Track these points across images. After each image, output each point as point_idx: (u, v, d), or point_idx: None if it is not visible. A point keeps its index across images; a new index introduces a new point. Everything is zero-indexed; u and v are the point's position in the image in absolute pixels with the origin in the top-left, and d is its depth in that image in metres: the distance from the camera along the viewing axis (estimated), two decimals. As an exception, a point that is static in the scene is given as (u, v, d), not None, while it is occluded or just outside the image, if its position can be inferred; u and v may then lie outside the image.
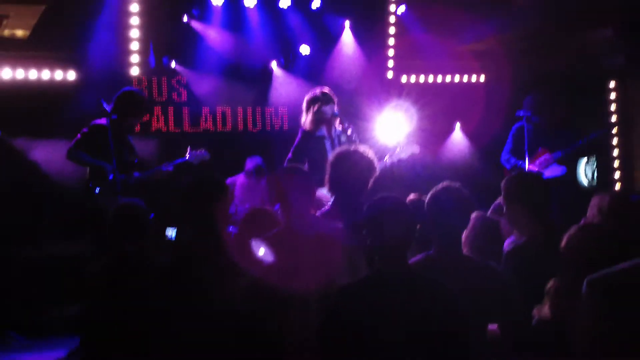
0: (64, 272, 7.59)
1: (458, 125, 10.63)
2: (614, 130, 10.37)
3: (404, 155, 6.77)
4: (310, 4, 9.46)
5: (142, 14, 8.57)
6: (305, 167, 6.22)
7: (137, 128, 8.73)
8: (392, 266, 3.28)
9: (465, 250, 4.33)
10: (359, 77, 9.83)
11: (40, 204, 7.90)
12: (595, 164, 10.19)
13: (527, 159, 7.78)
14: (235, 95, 9.46)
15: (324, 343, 3.28)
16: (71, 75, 8.51)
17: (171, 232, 8.42)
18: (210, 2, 9.02)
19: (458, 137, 10.66)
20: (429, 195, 3.93)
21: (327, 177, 4.77)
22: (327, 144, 6.56)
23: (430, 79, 10.63)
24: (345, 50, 9.93)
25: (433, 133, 9.84)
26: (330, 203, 4.83)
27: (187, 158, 7.13)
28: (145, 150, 7.79)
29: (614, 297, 2.34)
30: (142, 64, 8.80)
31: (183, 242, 4.11)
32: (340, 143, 6.56)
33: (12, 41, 8.43)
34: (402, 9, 9.91)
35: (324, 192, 5.19)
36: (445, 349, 3.16)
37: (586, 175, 10.26)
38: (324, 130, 6.59)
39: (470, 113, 10.33)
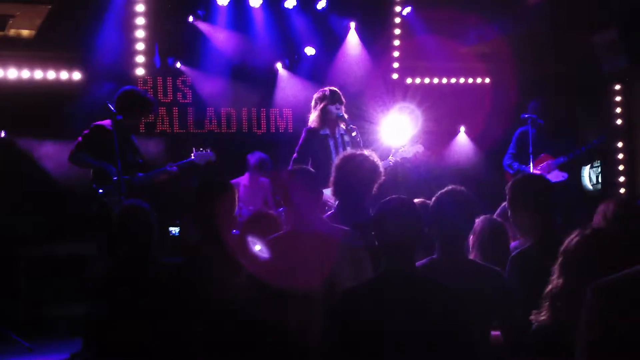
0: (69, 273, 7.62)
1: (462, 128, 10.62)
2: (618, 133, 10.34)
3: (407, 154, 6.75)
4: (316, 4, 9.47)
5: (148, 15, 8.58)
6: (309, 166, 6.23)
7: (142, 128, 8.78)
8: (398, 267, 3.29)
9: (472, 255, 4.33)
10: (364, 79, 9.82)
11: (44, 204, 7.91)
12: (599, 168, 10.17)
13: (531, 162, 7.75)
14: (240, 97, 9.47)
15: (331, 344, 3.28)
16: (76, 75, 8.54)
17: (174, 230, 8.46)
18: (216, 2, 9.03)
19: (463, 140, 10.65)
20: (433, 199, 3.92)
21: (332, 180, 4.77)
22: (331, 143, 6.55)
23: (435, 80, 10.64)
24: (351, 52, 9.93)
25: (438, 135, 9.84)
26: (335, 206, 4.84)
27: (192, 158, 7.13)
28: (150, 151, 7.81)
29: (618, 304, 2.33)
30: (148, 65, 8.82)
31: (191, 243, 4.10)
32: (343, 143, 6.55)
33: (18, 41, 8.44)
34: (407, 10, 9.90)
35: (328, 194, 5.19)
36: (451, 351, 3.16)
37: (590, 180, 10.25)
38: (327, 131, 6.58)
39: (475, 115, 10.33)
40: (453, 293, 3.27)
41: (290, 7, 9.35)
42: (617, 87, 10.34)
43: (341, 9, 9.75)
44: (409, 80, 10.41)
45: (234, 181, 8.63)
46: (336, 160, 4.94)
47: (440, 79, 10.66)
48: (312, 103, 6.69)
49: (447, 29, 9.78)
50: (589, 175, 10.25)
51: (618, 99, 10.35)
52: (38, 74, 8.36)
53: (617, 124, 10.31)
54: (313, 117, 6.63)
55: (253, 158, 8.80)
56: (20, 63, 8.27)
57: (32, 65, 8.33)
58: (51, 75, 8.42)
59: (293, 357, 3.68)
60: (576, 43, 9.66)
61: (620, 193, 9.96)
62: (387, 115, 7.70)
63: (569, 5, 8.89)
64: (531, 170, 7.74)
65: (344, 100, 6.65)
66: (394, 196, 3.48)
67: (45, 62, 8.41)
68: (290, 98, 9.63)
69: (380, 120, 7.68)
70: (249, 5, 9.22)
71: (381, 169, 4.85)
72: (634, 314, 2.27)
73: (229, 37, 9.30)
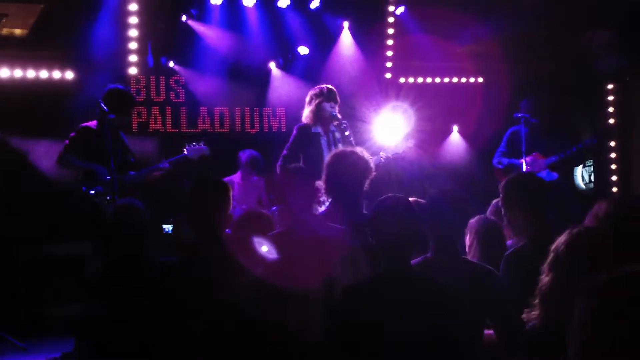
0: (63, 273, 7.59)
1: (456, 127, 10.63)
2: (612, 131, 10.37)
3: (398, 150, 6.74)
4: (309, 3, 9.46)
5: (141, 14, 8.57)
6: (300, 163, 6.22)
7: (135, 127, 8.77)
8: (395, 266, 3.29)
9: (470, 255, 4.33)
10: (357, 78, 9.82)
11: (39, 204, 7.88)
12: (592, 167, 10.20)
13: (524, 161, 7.76)
14: (233, 96, 9.46)
15: (329, 342, 3.28)
16: (69, 74, 8.52)
17: (168, 228, 8.45)
18: (209, 1, 9.02)
19: (456, 139, 10.66)
20: (427, 198, 3.93)
21: (324, 178, 4.76)
22: (323, 141, 6.54)
23: (429, 80, 10.65)
24: (344, 51, 9.93)
25: (431, 134, 9.85)
26: (327, 204, 4.83)
27: (185, 153, 7.11)
28: (143, 150, 7.78)
29: (610, 304, 2.33)
30: (141, 64, 8.81)
31: (185, 241, 4.10)
32: (335, 140, 6.54)
33: (11, 40, 8.42)
34: (401, 9, 9.90)
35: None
36: (447, 349, 3.16)
37: (583, 179, 10.27)
38: (319, 128, 6.57)
39: (468, 115, 10.34)
40: (449, 292, 3.28)
41: (284, 6, 9.34)
42: (611, 86, 10.37)
43: (335, 8, 9.75)
44: (402, 80, 10.41)
45: (226, 179, 8.60)
46: (327, 157, 4.93)
47: (433, 78, 10.66)
48: (307, 98, 6.67)
49: (441, 29, 9.79)
50: (582, 175, 10.28)
51: (611, 98, 10.38)
52: (31, 73, 8.33)
53: (610, 123, 10.34)
54: (306, 113, 6.62)
55: (244, 155, 8.78)
56: (12, 62, 8.24)
57: (24, 65, 8.31)
58: (44, 74, 8.40)
59: (292, 357, 3.68)
60: (570, 42, 9.68)
61: (613, 192, 9.99)
62: (380, 115, 7.71)
63: (564, 5, 8.91)
64: (524, 169, 7.75)
65: (339, 100, 6.64)
66: (390, 194, 3.48)
67: (38, 61, 8.38)
68: (283, 97, 9.62)
69: (374, 120, 7.68)
70: (243, 5, 9.21)
71: (372, 165, 4.85)
72: (626, 314, 2.27)
73: (223, 36, 9.29)
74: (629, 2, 8.86)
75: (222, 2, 9.07)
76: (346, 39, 9.90)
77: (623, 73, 10.01)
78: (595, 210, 4.09)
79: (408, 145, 6.83)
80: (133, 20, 8.56)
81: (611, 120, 10.34)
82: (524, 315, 3.03)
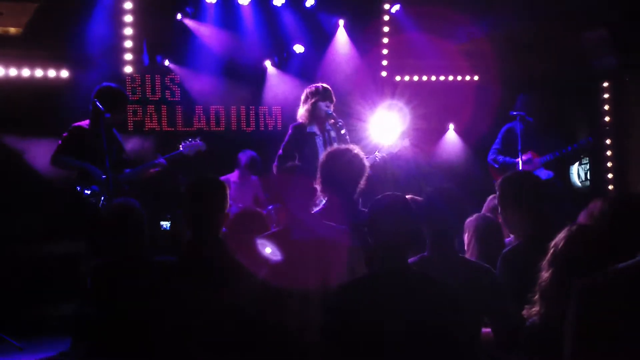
0: (59, 272, 7.58)
1: (451, 126, 10.64)
2: (607, 130, 10.39)
3: (394, 149, 6.74)
4: (305, 2, 9.45)
5: (136, 12, 8.55)
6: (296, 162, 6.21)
7: (130, 126, 8.75)
8: (393, 264, 3.29)
9: (468, 253, 4.34)
10: (352, 76, 9.82)
11: (34, 203, 7.87)
12: (588, 165, 10.21)
13: (520, 159, 7.76)
14: (228, 94, 9.45)
15: (325, 340, 3.28)
16: (64, 73, 8.49)
17: (165, 224, 8.45)
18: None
19: (452, 137, 10.67)
20: (423, 196, 3.93)
21: (319, 176, 4.75)
22: (318, 141, 6.53)
23: (424, 78, 10.64)
24: (340, 49, 9.92)
25: (427, 133, 9.85)
26: (323, 203, 4.83)
27: (180, 150, 7.10)
28: (138, 149, 7.77)
29: (602, 302, 2.35)
30: (136, 62, 8.79)
31: (183, 238, 4.09)
32: (330, 140, 6.53)
33: (5, 39, 8.39)
34: (396, 7, 9.90)
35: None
36: (445, 347, 3.17)
37: (579, 177, 10.29)
38: (315, 127, 6.56)
39: (463, 113, 10.34)
40: (447, 290, 3.28)
41: (279, 4, 9.34)
42: (606, 84, 10.38)
43: (330, 7, 9.75)
44: (397, 78, 10.41)
45: (223, 178, 8.61)
46: (323, 156, 4.92)
47: (429, 76, 10.66)
48: (303, 97, 6.65)
49: (436, 27, 9.79)
50: (578, 173, 10.29)
51: (606, 96, 10.39)
52: (25, 72, 8.31)
53: (606, 121, 10.36)
54: (302, 112, 6.60)
55: (244, 157, 8.79)
56: (7, 61, 8.22)
57: (19, 63, 8.28)
58: (39, 73, 8.38)
59: (292, 357, 3.68)
60: (565, 41, 9.69)
61: (609, 190, 10.01)
62: (376, 113, 7.70)
63: (559, 4, 8.92)
64: (520, 167, 7.76)
65: (334, 99, 6.63)
66: (387, 193, 3.48)
67: (32, 60, 8.36)
68: (279, 96, 9.62)
69: (369, 118, 7.67)
70: (238, 3, 9.20)
71: (366, 163, 4.85)
72: (617, 311, 2.29)
73: (218, 35, 9.27)
74: (624, 1, 8.87)
75: (217, 0, 9.06)
76: (341, 37, 9.90)
77: (618, 71, 10.02)
78: (591, 209, 4.10)
79: (403, 145, 6.81)
80: (128, 18, 8.54)
81: (607, 118, 10.35)
82: (524, 312, 3.04)
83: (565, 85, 10.05)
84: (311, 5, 9.49)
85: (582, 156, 10.11)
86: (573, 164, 10.26)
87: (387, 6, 9.96)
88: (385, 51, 10.22)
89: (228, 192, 3.94)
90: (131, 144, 7.63)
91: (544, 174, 8.04)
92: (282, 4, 9.33)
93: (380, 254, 3.35)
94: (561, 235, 2.98)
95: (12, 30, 8.39)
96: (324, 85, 6.68)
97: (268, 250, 3.90)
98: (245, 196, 8.71)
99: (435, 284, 3.30)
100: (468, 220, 4.35)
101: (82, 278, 4.47)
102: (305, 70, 9.65)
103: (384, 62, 10.26)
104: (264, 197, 8.83)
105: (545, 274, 2.95)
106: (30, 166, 7.86)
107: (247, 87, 9.59)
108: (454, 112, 10.51)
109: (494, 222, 4.52)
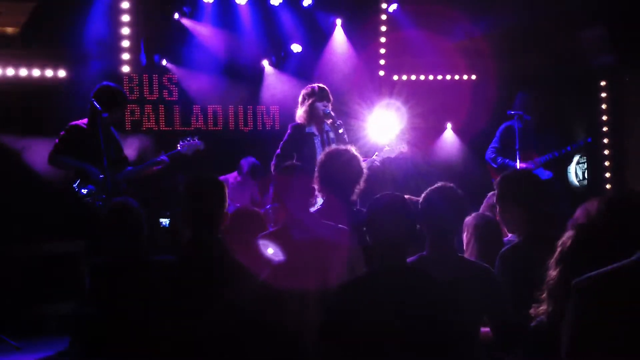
0: (58, 272, 7.57)
1: (449, 125, 10.64)
2: (604, 129, 10.40)
3: (391, 153, 6.74)
4: (302, 1, 9.45)
5: (133, 11, 8.54)
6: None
7: (128, 126, 8.74)
8: (392, 264, 3.29)
9: (468, 252, 4.34)
10: (350, 75, 9.82)
11: (32, 203, 7.85)
12: (585, 164, 10.22)
13: (518, 158, 7.77)
14: (226, 94, 9.43)
15: (325, 339, 3.28)
16: (62, 72, 8.47)
17: (165, 221, 8.45)
18: (202, -1, 9.02)
19: (449, 136, 10.67)
20: (423, 196, 3.92)
21: (316, 177, 4.75)
22: (317, 141, 6.54)
23: (422, 77, 10.64)
24: (337, 48, 9.92)
25: (424, 132, 9.85)
26: (321, 203, 4.83)
27: (179, 149, 7.10)
28: (136, 149, 7.76)
29: (597, 300, 2.36)
30: (133, 62, 8.78)
31: (182, 237, 4.09)
32: (329, 140, 6.54)
33: (2, 38, 8.38)
34: (393, 7, 9.90)
35: None
36: (444, 347, 3.17)
37: (577, 176, 10.30)
38: (313, 128, 6.57)
39: (461, 112, 10.34)
40: (446, 289, 3.29)
41: (277, 3, 9.33)
42: (603, 83, 10.40)
43: (327, 6, 9.75)
44: (395, 77, 10.41)
45: (222, 178, 8.60)
46: (321, 156, 4.93)
47: (426, 75, 10.66)
48: (300, 98, 6.67)
49: (434, 26, 9.80)
50: (576, 172, 10.30)
51: (604, 95, 10.40)
52: (23, 72, 8.30)
53: (603, 119, 10.37)
54: (300, 113, 6.62)
55: (246, 164, 8.78)
56: (5, 61, 8.20)
57: (17, 63, 8.27)
58: (36, 72, 8.36)
59: (292, 357, 3.67)
60: (563, 39, 9.70)
61: (607, 189, 10.02)
62: (373, 112, 7.70)
63: (557, 2, 8.93)
64: (518, 166, 7.76)
65: (331, 98, 6.63)
66: (386, 192, 3.48)
67: (30, 59, 8.34)
68: (276, 95, 9.60)
69: (367, 117, 7.68)
70: (235, 2, 9.20)
71: (362, 164, 4.86)
72: (614, 310, 2.29)
73: (215, 34, 9.27)
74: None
75: (215, -1, 9.07)
76: (339, 37, 9.90)
77: (616, 70, 10.03)
78: (587, 208, 4.10)
79: (401, 149, 6.81)
80: (125, 18, 8.53)
81: (604, 117, 10.37)
82: (532, 310, 3.03)
83: (563, 84, 10.05)
84: (309, 5, 9.49)
85: (579, 155, 10.12)
86: (570, 163, 10.27)
87: (384, 5, 9.96)
88: (382, 50, 10.22)
89: (226, 191, 3.94)
90: (131, 144, 7.63)
91: (543, 174, 8.05)
92: (280, 3, 9.33)
93: (378, 253, 3.36)
94: (568, 234, 2.98)
95: (10, 29, 8.38)
96: (320, 85, 6.69)
97: (270, 251, 3.89)
98: (242, 196, 8.71)
99: (434, 283, 3.31)
100: (467, 219, 4.35)
101: (81, 278, 4.45)
102: (302, 69, 9.65)
103: (382, 61, 10.27)
104: (259, 197, 8.82)
105: (552, 273, 2.95)
106: (28, 166, 7.85)
107: (244, 86, 9.57)
108: (451, 111, 10.50)
109: (493, 221, 4.52)
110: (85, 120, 6.66)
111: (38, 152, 7.57)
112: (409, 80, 10.51)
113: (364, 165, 4.89)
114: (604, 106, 10.38)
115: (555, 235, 3.19)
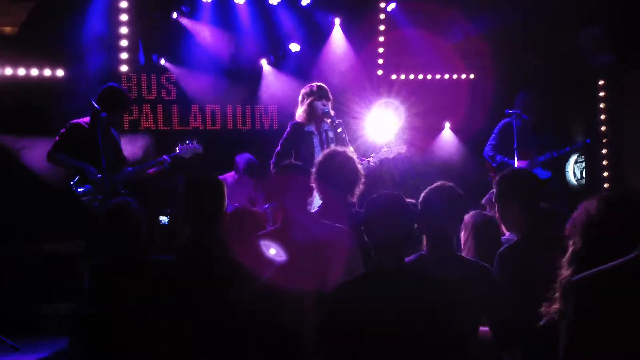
0: (56, 271, 7.57)
1: (448, 124, 10.64)
2: (603, 128, 10.41)
3: (389, 155, 6.73)
4: (300, 0, 9.44)
5: (131, 11, 8.53)
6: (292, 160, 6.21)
7: (126, 126, 8.74)
8: (388, 263, 3.29)
9: (465, 250, 4.34)
10: (348, 75, 9.81)
11: (31, 203, 7.84)
12: (583, 163, 10.23)
13: (516, 157, 7.77)
14: (225, 93, 9.42)
15: (324, 339, 3.28)
16: (60, 72, 8.47)
17: (164, 219, 8.45)
18: (200, -2, 9.01)
19: (448, 136, 10.68)
20: (422, 195, 3.92)
21: (314, 177, 4.74)
22: (315, 141, 6.54)
23: (420, 76, 10.63)
24: (335, 48, 9.92)
25: (423, 131, 9.85)
26: (319, 204, 4.84)
27: (177, 152, 7.10)
28: (134, 148, 7.76)
29: (598, 298, 2.36)
30: (131, 61, 8.78)
31: (182, 236, 4.09)
32: (328, 139, 6.54)
33: (0, 38, 8.37)
34: (392, 6, 9.90)
35: None
36: (443, 346, 3.17)
37: (575, 175, 10.30)
38: (312, 127, 6.57)
39: (459, 110, 10.34)
40: (445, 288, 3.28)
41: (275, 3, 9.33)
42: (602, 82, 10.40)
43: (326, 5, 9.74)
44: (393, 76, 10.40)
45: (220, 178, 8.57)
46: (319, 157, 4.93)
47: (425, 74, 10.65)
48: (299, 98, 6.68)
49: (432, 25, 9.80)
50: (574, 171, 10.30)
51: (602, 94, 10.41)
52: (21, 71, 8.29)
53: (601, 119, 10.37)
54: (299, 112, 6.63)
55: (242, 161, 8.72)
56: (3, 60, 8.20)
57: (15, 63, 8.26)
58: (34, 72, 8.36)
59: (291, 357, 3.67)
60: (562, 39, 9.70)
61: (605, 188, 10.02)
62: (372, 111, 7.70)
63: (556, 1, 8.93)
64: (516, 165, 7.76)
65: (331, 97, 6.64)
66: (383, 192, 3.48)
67: (28, 59, 8.34)
68: (275, 95, 9.59)
69: (365, 116, 7.68)
70: (234, 2, 9.20)
71: (359, 166, 4.87)
72: (612, 308, 2.30)
73: (214, 34, 9.26)
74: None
75: (213, -1, 9.07)
76: (337, 36, 9.89)
77: (615, 69, 10.03)
78: (587, 207, 4.09)
79: (400, 150, 6.81)
80: (123, 17, 8.52)
81: (603, 117, 10.37)
82: (543, 309, 3.03)
83: (561, 84, 10.05)
84: (307, 4, 9.48)
85: (577, 154, 10.12)
86: (568, 162, 10.27)
87: (382, 4, 9.95)
88: (381, 49, 10.22)
89: (226, 190, 3.94)
90: (137, 142, 7.63)
91: (542, 173, 8.05)
92: (278, 2, 9.32)
93: (377, 252, 3.35)
94: (579, 232, 2.98)
95: (8, 29, 8.37)
96: (319, 84, 6.69)
97: (272, 251, 3.88)
98: (240, 195, 8.69)
99: (433, 283, 3.31)
100: (465, 217, 4.34)
101: (80, 278, 4.45)
102: (301, 68, 9.65)
103: (380, 61, 10.26)
104: (256, 197, 8.81)
105: (565, 272, 2.95)
106: (26, 165, 7.84)
107: (243, 86, 9.56)
108: (449, 110, 10.50)
109: (491, 219, 4.51)
110: (87, 119, 6.67)
111: (36, 152, 7.58)
112: (407, 79, 10.50)
113: (360, 167, 4.90)
114: (602, 105, 10.38)
115: (554, 235, 3.20)
